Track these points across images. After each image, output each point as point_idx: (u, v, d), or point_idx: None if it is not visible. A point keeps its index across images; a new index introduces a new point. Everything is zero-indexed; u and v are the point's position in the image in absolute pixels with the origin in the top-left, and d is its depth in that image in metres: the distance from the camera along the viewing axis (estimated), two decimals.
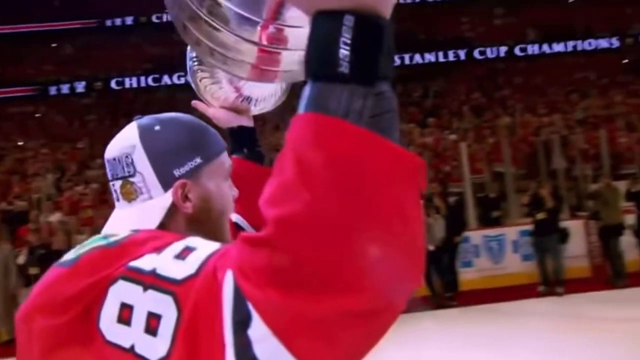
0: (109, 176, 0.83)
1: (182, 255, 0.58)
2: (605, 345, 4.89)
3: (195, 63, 1.27)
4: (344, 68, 0.47)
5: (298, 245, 0.46)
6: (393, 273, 0.46)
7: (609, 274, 7.48)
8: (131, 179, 0.80)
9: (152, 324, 0.55)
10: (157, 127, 0.82)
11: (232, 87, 1.25)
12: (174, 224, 0.80)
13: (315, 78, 0.48)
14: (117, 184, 0.82)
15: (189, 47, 1.28)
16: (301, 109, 0.49)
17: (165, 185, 0.80)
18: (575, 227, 7.83)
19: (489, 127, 12.06)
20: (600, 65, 17.09)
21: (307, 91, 0.49)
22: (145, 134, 0.81)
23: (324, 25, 0.48)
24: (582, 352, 4.85)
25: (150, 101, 18.69)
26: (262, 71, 0.80)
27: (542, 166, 8.98)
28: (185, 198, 0.80)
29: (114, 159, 0.82)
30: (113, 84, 19.97)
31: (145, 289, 0.57)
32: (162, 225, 0.79)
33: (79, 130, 16.85)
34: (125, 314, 0.57)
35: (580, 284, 7.31)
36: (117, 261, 0.61)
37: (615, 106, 12.88)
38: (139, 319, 0.56)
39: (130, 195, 0.80)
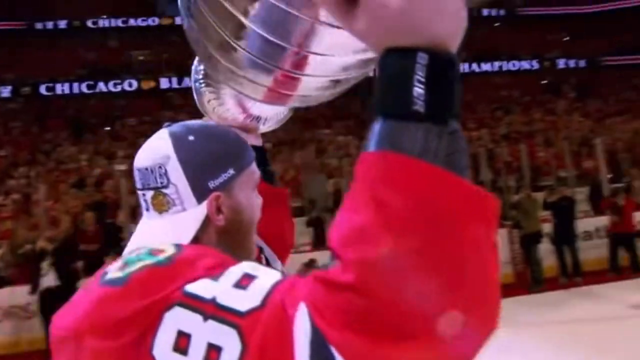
0: (139, 185, 0.80)
1: (242, 283, 0.56)
2: (532, 346, 5.21)
3: (203, 85, 1.25)
4: (419, 107, 0.46)
5: (382, 290, 0.45)
6: (473, 318, 0.46)
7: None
8: (164, 190, 0.78)
9: (212, 356, 0.53)
10: (191, 137, 0.80)
11: (240, 108, 1.22)
12: (206, 236, 0.78)
13: (387, 115, 0.47)
14: (149, 194, 0.79)
15: (193, 69, 1.28)
16: (373, 146, 0.48)
17: (199, 197, 0.78)
18: (499, 235, 8.25)
19: None
20: (523, 85, 18.27)
21: (378, 128, 0.48)
22: (179, 144, 0.79)
23: (397, 63, 0.47)
24: (510, 354, 5.12)
25: (84, 108, 17.98)
26: (279, 95, 0.79)
27: (470, 178, 9.44)
28: (218, 210, 0.78)
29: (146, 169, 0.79)
30: (42, 90, 19.06)
31: (206, 318, 0.54)
32: (196, 239, 0.77)
33: (2, 137, 15.91)
34: (182, 343, 0.55)
35: (505, 290, 7.59)
36: (169, 283, 0.58)
37: (535, 123, 13.79)
38: (197, 350, 0.54)
39: (162, 206, 0.78)
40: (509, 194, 9.30)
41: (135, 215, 7.89)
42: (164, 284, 0.58)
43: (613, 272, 7.93)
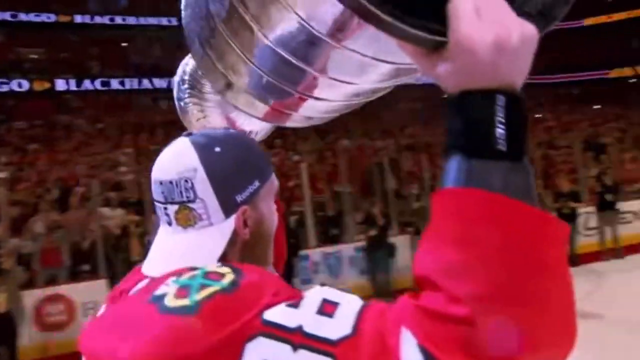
0: (160, 198, 0.77)
1: (325, 311, 0.57)
2: None
3: (189, 103, 1.22)
4: (501, 146, 0.50)
5: (491, 320, 0.48)
6: (563, 339, 0.51)
7: None
8: (190, 205, 0.75)
9: None
10: (217, 149, 0.76)
11: (229, 125, 1.22)
12: (232, 250, 0.76)
13: (471, 154, 0.51)
14: (172, 208, 0.76)
15: (176, 87, 1.26)
16: (459, 183, 0.51)
17: (227, 211, 0.75)
18: (403, 241, 8.67)
19: (330, 149, 12.84)
20: (425, 99, 19.35)
21: (461, 165, 0.51)
22: (206, 157, 0.75)
23: (478, 104, 0.51)
24: None
25: None
26: (280, 113, 0.80)
27: (375, 186, 9.80)
28: (244, 224, 0.77)
29: (170, 182, 0.75)
30: None
31: (295, 348, 0.54)
32: (223, 254, 0.75)
33: None
34: None
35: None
36: (243, 311, 0.57)
37: (436, 134, 14.65)
38: None
39: (188, 221, 0.75)
40: (412, 202, 9.77)
41: (16, 227, 7.23)
42: (239, 313, 0.57)
43: None
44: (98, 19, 21.26)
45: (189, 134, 0.80)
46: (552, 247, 0.50)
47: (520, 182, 0.51)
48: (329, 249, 8.42)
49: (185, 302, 0.59)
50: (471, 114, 0.51)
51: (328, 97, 0.75)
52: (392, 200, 9.41)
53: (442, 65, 0.52)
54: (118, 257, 6.05)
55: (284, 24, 0.63)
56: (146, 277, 0.75)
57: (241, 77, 0.80)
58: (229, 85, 0.83)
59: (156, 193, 0.77)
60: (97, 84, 19.54)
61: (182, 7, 0.85)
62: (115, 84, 19.34)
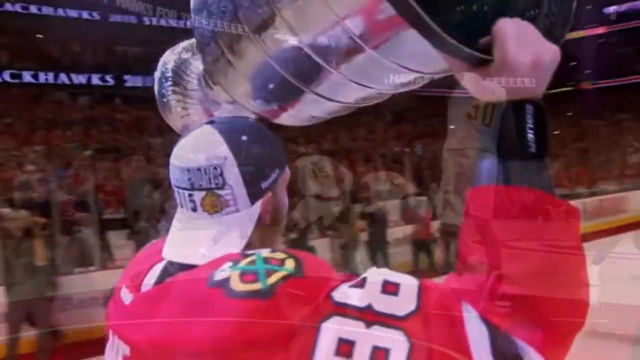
0: (186, 185, 0.78)
1: (389, 290, 0.63)
2: None
3: (173, 101, 1.21)
4: (532, 148, 0.60)
5: (546, 298, 0.58)
6: (583, 310, 0.62)
7: None
8: (218, 192, 0.76)
9: (379, 357, 0.59)
10: (244, 137, 0.79)
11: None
12: (255, 235, 0.79)
13: (508, 156, 0.61)
14: (199, 195, 0.77)
15: (157, 84, 1.24)
16: (496, 181, 0.61)
17: (253, 198, 0.78)
18: (323, 245, 8.86)
19: None
20: None
21: (497, 166, 0.61)
22: (234, 145, 0.77)
23: (513, 114, 0.60)
24: None
25: None
26: (280, 109, 0.84)
27: (298, 190, 9.95)
28: (266, 210, 0.80)
29: (198, 169, 0.76)
30: None
31: (368, 325, 0.60)
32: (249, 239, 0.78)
33: None
34: (344, 349, 0.59)
35: None
36: (315, 293, 0.62)
37: (357, 140, 15.11)
38: (362, 353, 0.59)
39: (215, 207, 0.77)
40: (332, 205, 9.99)
41: None
42: (312, 295, 0.62)
43: (415, 274, 8.99)
44: (8, 6, 19.86)
45: (212, 122, 0.82)
46: (578, 232, 0.62)
47: (545, 178, 0.61)
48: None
49: (256, 286, 0.63)
50: (507, 122, 0.61)
51: (341, 99, 0.80)
52: (313, 204, 9.60)
53: (485, 79, 0.61)
54: (19, 262, 5.66)
55: (323, 31, 0.66)
56: (163, 260, 0.79)
57: (259, 78, 0.83)
58: (240, 83, 0.87)
59: (180, 180, 0.78)
60: (6, 76, 18.24)
61: (194, 8, 0.87)
62: (27, 76, 18.16)
